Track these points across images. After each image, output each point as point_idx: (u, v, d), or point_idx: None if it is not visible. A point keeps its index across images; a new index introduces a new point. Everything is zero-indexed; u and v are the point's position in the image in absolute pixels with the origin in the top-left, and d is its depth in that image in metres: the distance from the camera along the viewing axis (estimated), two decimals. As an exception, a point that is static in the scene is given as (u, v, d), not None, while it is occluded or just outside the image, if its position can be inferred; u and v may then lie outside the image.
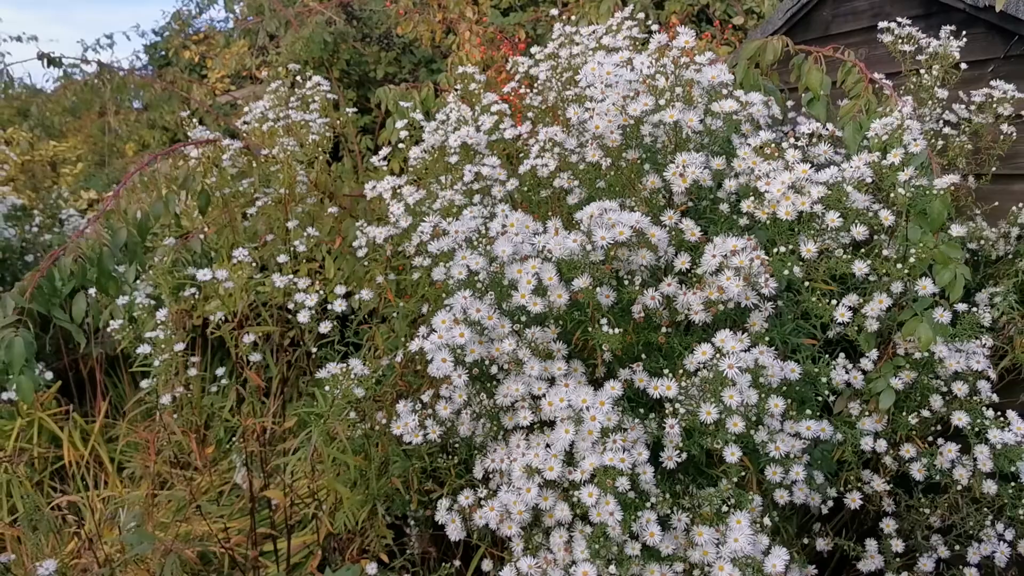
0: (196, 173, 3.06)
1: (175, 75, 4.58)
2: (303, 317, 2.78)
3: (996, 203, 3.06)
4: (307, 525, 3.46)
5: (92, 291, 2.79)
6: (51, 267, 2.53)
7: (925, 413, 2.52)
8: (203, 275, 2.78)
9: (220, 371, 3.21)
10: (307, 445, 2.71)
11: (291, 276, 2.93)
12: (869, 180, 2.24)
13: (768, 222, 2.25)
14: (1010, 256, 2.95)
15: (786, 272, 2.22)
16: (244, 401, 3.20)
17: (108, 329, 3.09)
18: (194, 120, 3.42)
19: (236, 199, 3.31)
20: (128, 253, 2.63)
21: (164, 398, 2.86)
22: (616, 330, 2.15)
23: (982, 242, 3.00)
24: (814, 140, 2.44)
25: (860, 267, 2.29)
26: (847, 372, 2.46)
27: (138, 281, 3.11)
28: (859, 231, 2.26)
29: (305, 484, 3.27)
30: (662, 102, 2.31)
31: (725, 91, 2.45)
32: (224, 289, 2.85)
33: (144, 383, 3.15)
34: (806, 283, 2.31)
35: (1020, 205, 2.95)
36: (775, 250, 2.27)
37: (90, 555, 3.04)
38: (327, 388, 2.54)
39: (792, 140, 2.38)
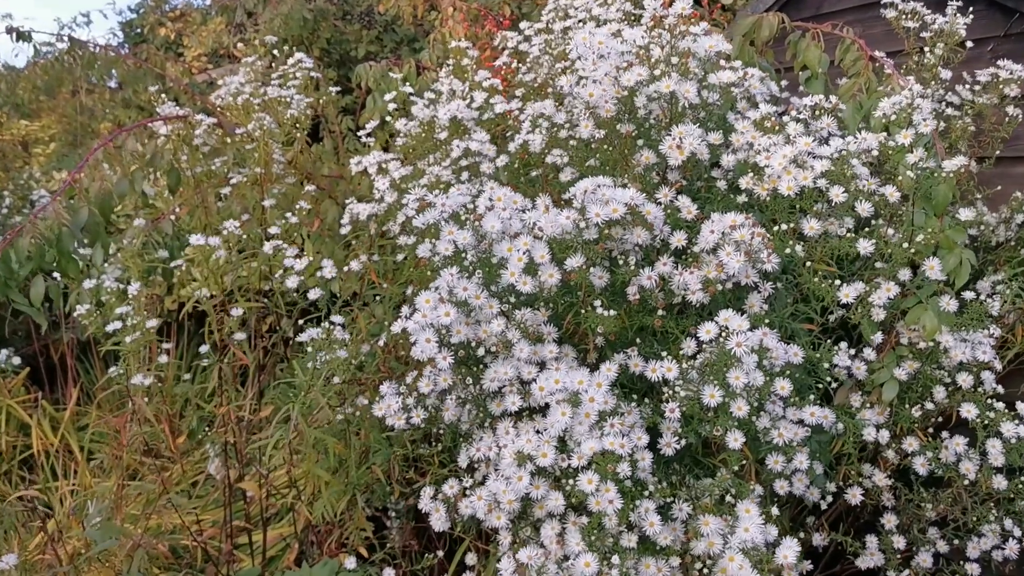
0: (165, 151, 2.92)
1: (148, 52, 4.41)
2: (292, 283, 2.64)
3: (999, 187, 2.97)
4: (284, 516, 3.34)
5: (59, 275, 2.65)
6: (7, 249, 2.38)
7: (929, 406, 2.43)
8: (195, 239, 2.62)
9: (204, 348, 3.08)
10: (285, 429, 2.59)
11: (279, 242, 2.80)
12: (876, 154, 2.14)
13: (768, 199, 2.15)
14: (1012, 243, 2.86)
15: (787, 251, 2.12)
16: (221, 387, 3.08)
17: (75, 314, 2.96)
18: (163, 97, 3.27)
19: (209, 179, 3.17)
20: (90, 234, 2.49)
21: (135, 378, 2.71)
22: (610, 312, 2.04)
23: (982, 227, 2.91)
24: (816, 113, 2.34)
25: (865, 246, 2.18)
26: (851, 359, 2.36)
27: (106, 264, 2.96)
28: (864, 208, 2.16)
29: (283, 473, 3.15)
30: (657, 72, 2.19)
31: (723, 62, 2.34)
32: (215, 260, 2.69)
33: (113, 370, 3.02)
34: (807, 263, 2.20)
35: (1024, 191, 2.86)
36: (776, 228, 2.16)
37: (57, 550, 2.91)
38: (309, 349, 2.42)
39: (794, 113, 2.28)
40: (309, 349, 2.34)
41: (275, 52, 3.55)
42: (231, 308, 2.74)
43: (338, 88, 4.45)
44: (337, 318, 2.40)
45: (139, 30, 8.43)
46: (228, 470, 2.97)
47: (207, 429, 3.45)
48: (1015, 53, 3.04)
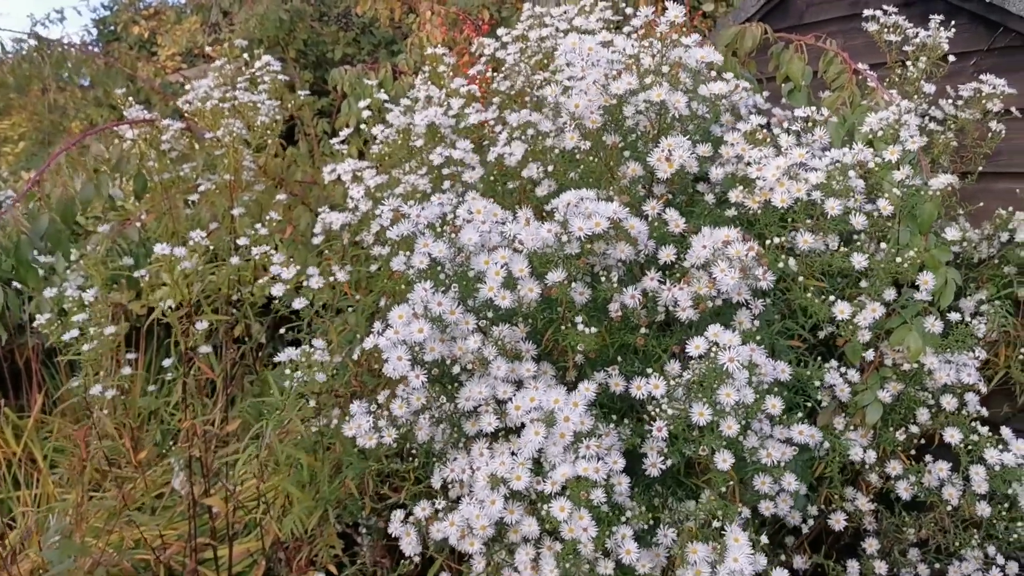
0: (131, 155, 2.82)
1: (119, 51, 4.31)
2: (277, 291, 2.56)
3: (981, 204, 2.93)
4: (252, 531, 3.25)
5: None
6: (-38, 256, 2.28)
7: (913, 429, 2.38)
8: (159, 249, 2.53)
9: (167, 362, 2.98)
10: (256, 444, 2.51)
11: (265, 247, 2.71)
12: (871, 166, 2.09)
13: (759, 213, 2.09)
14: (995, 260, 2.83)
15: (780, 266, 2.06)
16: (185, 400, 2.98)
17: (35, 324, 2.85)
18: (130, 99, 3.17)
19: (177, 184, 3.07)
20: (51, 241, 2.39)
21: (94, 389, 2.60)
22: (591, 330, 1.97)
23: (965, 244, 2.87)
24: (808, 125, 2.29)
25: (860, 260, 2.12)
26: (842, 377, 2.31)
27: (68, 272, 2.86)
28: (859, 221, 2.11)
29: (251, 486, 3.06)
30: (648, 81, 2.13)
31: (713, 73, 2.28)
32: (180, 270, 2.60)
33: (76, 380, 2.92)
34: (800, 278, 2.15)
35: (1010, 208, 2.82)
36: (767, 242, 2.11)
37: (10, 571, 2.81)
38: (287, 371, 2.34)
39: (785, 125, 2.23)
40: (287, 371, 2.26)
41: (247, 56, 3.45)
42: (196, 320, 2.64)
43: (312, 91, 4.37)
44: (319, 342, 2.31)
45: (112, 28, 8.29)
46: (192, 485, 2.88)
47: (172, 442, 3.36)
48: (998, 67, 3.01)
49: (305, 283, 2.57)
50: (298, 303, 2.56)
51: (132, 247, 3.19)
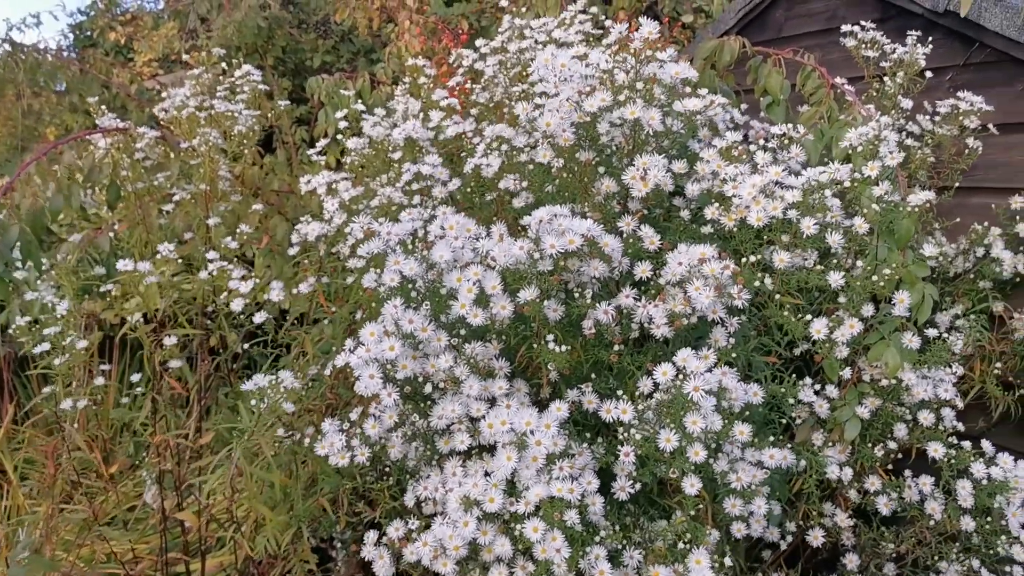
0: (104, 164, 2.78)
1: (94, 57, 4.26)
2: (237, 305, 2.53)
3: (958, 219, 2.94)
4: (225, 545, 3.21)
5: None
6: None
7: (891, 445, 2.38)
8: (122, 265, 2.50)
9: (136, 377, 2.95)
10: (227, 463, 2.47)
11: (225, 263, 2.68)
12: (847, 184, 2.09)
13: (735, 230, 2.08)
14: (971, 275, 2.84)
15: (756, 284, 2.05)
16: (158, 412, 2.94)
17: (7, 332, 2.81)
18: (103, 108, 3.13)
19: (151, 193, 3.03)
20: (22, 252, 2.35)
21: (64, 403, 2.56)
22: (564, 348, 1.95)
23: (941, 259, 2.88)
24: (785, 142, 2.28)
25: (836, 279, 2.12)
26: (816, 395, 2.30)
27: (39, 281, 2.82)
28: (835, 240, 2.10)
29: (223, 503, 3.02)
30: (621, 98, 2.12)
31: (688, 89, 2.27)
32: (146, 285, 2.57)
33: (47, 389, 2.88)
34: (776, 296, 2.14)
35: (985, 223, 2.83)
36: (743, 260, 2.10)
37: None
38: (253, 402, 2.31)
39: (761, 142, 2.22)
40: (253, 401, 2.23)
41: (224, 66, 3.42)
42: (168, 334, 2.61)
43: (291, 98, 4.34)
44: (286, 373, 2.28)
45: (89, 33, 8.20)
46: (164, 499, 2.84)
47: (145, 454, 3.31)
48: (974, 82, 3.02)
49: (266, 296, 2.54)
50: (259, 317, 2.53)
51: (104, 257, 3.15)
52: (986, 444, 2.39)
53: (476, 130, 2.85)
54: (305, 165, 3.62)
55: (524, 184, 2.46)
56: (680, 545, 1.90)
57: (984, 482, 2.28)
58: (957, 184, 2.97)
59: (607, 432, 2.09)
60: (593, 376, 2.10)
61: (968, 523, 2.31)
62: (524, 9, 3.67)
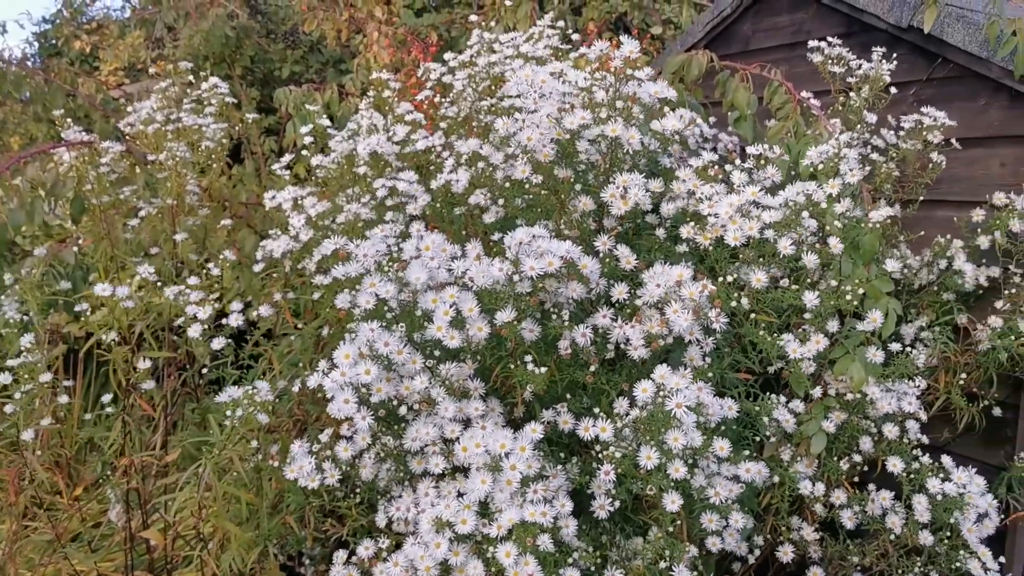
0: (68, 178, 2.74)
1: (59, 67, 4.19)
2: (194, 332, 2.50)
3: (922, 232, 2.99)
4: (192, 563, 3.17)
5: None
6: None
7: (857, 459, 2.41)
8: (101, 290, 2.46)
9: (106, 398, 2.89)
10: (195, 480, 2.44)
11: (183, 287, 2.65)
12: (824, 205, 2.11)
13: (711, 248, 2.09)
14: (935, 287, 2.88)
15: (733, 303, 2.07)
16: (122, 437, 2.89)
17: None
18: (68, 121, 3.08)
19: (117, 207, 2.99)
20: (-16, 268, 2.31)
21: (25, 434, 2.52)
22: (541, 369, 1.95)
23: (905, 271, 2.92)
24: (761, 162, 2.30)
25: (811, 298, 2.13)
26: (791, 413, 2.32)
27: (2, 297, 2.77)
28: (811, 260, 2.12)
29: (190, 521, 2.98)
30: (603, 115, 2.12)
31: (667, 108, 2.28)
32: (122, 308, 2.52)
33: (8, 408, 2.82)
34: (751, 315, 2.15)
35: (948, 236, 2.88)
36: (719, 280, 2.11)
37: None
38: (228, 413, 2.28)
39: (737, 161, 2.24)
40: (228, 412, 2.20)
41: (191, 78, 3.38)
42: (137, 355, 2.57)
43: (259, 109, 4.30)
44: (262, 383, 2.26)
45: (54, 42, 8.08)
46: (129, 518, 2.80)
47: (111, 471, 3.26)
48: (937, 97, 3.07)
49: (225, 321, 2.53)
50: (217, 343, 2.51)
51: (69, 270, 3.10)
52: (946, 459, 2.42)
53: (445, 144, 2.84)
54: (273, 178, 3.59)
55: (498, 200, 2.46)
56: (661, 564, 1.90)
57: (939, 498, 2.31)
58: (922, 197, 3.01)
59: (581, 451, 2.09)
60: (568, 396, 2.10)
61: (927, 538, 2.34)
62: (494, 23, 3.68)
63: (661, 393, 1.82)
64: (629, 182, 2.08)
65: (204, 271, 2.83)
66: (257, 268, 2.77)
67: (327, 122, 3.06)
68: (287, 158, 3.03)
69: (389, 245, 2.10)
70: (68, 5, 8.01)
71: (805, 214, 2.08)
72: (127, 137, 3.25)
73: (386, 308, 1.97)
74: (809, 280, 2.24)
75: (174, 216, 2.97)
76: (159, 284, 2.70)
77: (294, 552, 2.92)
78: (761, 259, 2.10)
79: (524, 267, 1.87)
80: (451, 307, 1.90)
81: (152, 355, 2.57)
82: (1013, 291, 2.73)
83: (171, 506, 2.78)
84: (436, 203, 2.63)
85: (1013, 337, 2.62)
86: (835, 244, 2.16)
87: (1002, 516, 2.61)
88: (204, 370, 2.73)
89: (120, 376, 2.72)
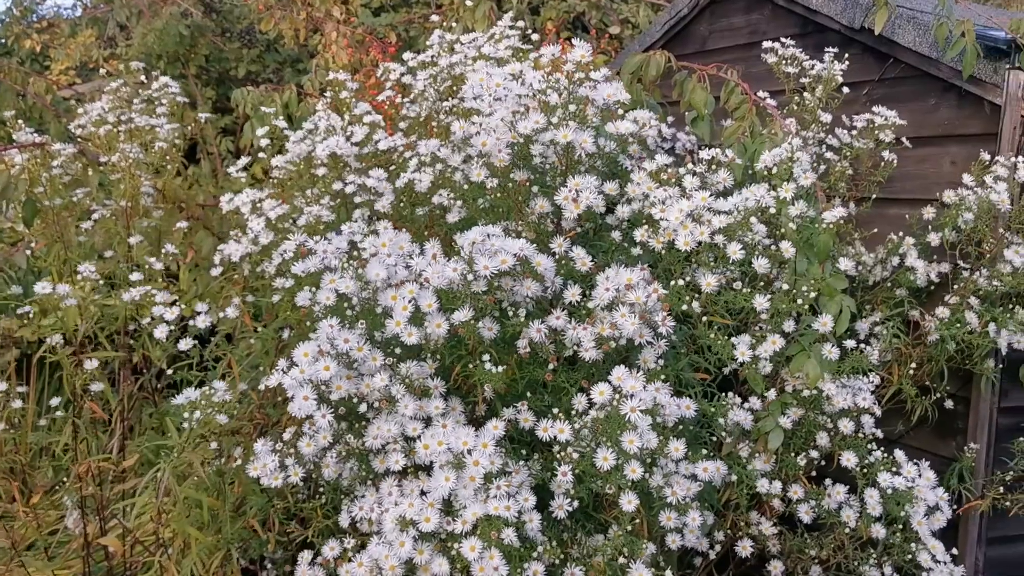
0: (20, 180, 2.69)
1: (8, 66, 4.11)
2: (160, 333, 2.48)
3: (876, 229, 3.04)
4: (152, 569, 3.13)
5: None
6: None
7: (813, 454, 2.45)
8: (41, 288, 2.42)
9: (55, 401, 2.85)
10: (154, 484, 2.41)
11: (148, 288, 2.61)
12: (773, 210, 2.14)
13: (664, 251, 2.11)
14: (888, 283, 2.93)
15: (684, 307, 2.09)
16: (79, 436, 2.85)
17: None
18: (20, 123, 3.02)
19: (70, 209, 2.94)
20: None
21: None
22: (499, 368, 1.96)
23: (860, 268, 2.97)
24: (712, 167, 2.33)
25: (761, 302, 2.16)
26: (750, 412, 2.35)
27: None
28: (761, 264, 2.15)
29: (150, 521, 2.94)
30: (555, 120, 2.13)
31: (621, 110, 2.30)
32: (64, 307, 2.49)
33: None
34: (704, 318, 2.18)
35: (900, 233, 2.94)
36: (671, 283, 2.13)
37: None
38: (185, 415, 2.26)
39: (690, 165, 2.26)
40: (186, 415, 2.18)
41: (144, 78, 3.33)
42: (88, 357, 2.53)
43: (215, 108, 4.25)
44: (220, 383, 2.24)
45: (3, 41, 7.91)
46: (86, 524, 2.76)
47: (67, 478, 3.20)
48: (889, 97, 3.13)
49: (192, 323, 2.50)
50: (184, 344, 2.49)
51: (20, 275, 3.04)
52: (899, 453, 2.47)
53: (407, 144, 2.84)
54: (230, 180, 3.56)
55: (460, 201, 2.47)
56: (620, 559, 1.92)
57: (890, 491, 2.36)
58: (875, 195, 3.07)
59: (543, 448, 2.10)
60: (529, 394, 2.11)
61: (879, 531, 2.38)
62: (454, 23, 3.68)
63: (618, 395, 1.83)
64: (582, 185, 2.10)
65: (159, 274, 2.79)
66: (215, 272, 2.74)
67: (284, 124, 3.04)
68: (244, 160, 3.00)
69: (351, 242, 2.10)
70: (18, 3, 7.83)
71: (754, 219, 2.11)
72: (79, 139, 3.20)
73: (346, 306, 1.97)
74: (763, 282, 2.27)
75: (128, 218, 2.93)
76: (112, 287, 2.66)
77: (256, 556, 2.89)
78: (714, 263, 2.12)
79: (478, 266, 1.87)
80: (410, 302, 1.90)
81: (100, 356, 2.54)
82: (962, 285, 2.79)
83: (130, 512, 2.75)
84: (400, 202, 2.63)
85: (959, 325, 2.68)
86: (787, 248, 2.18)
87: (954, 507, 2.67)
88: (165, 373, 2.70)
89: (73, 380, 2.68)
